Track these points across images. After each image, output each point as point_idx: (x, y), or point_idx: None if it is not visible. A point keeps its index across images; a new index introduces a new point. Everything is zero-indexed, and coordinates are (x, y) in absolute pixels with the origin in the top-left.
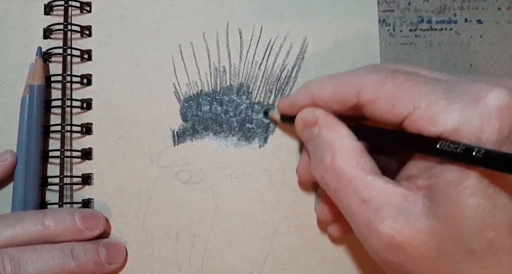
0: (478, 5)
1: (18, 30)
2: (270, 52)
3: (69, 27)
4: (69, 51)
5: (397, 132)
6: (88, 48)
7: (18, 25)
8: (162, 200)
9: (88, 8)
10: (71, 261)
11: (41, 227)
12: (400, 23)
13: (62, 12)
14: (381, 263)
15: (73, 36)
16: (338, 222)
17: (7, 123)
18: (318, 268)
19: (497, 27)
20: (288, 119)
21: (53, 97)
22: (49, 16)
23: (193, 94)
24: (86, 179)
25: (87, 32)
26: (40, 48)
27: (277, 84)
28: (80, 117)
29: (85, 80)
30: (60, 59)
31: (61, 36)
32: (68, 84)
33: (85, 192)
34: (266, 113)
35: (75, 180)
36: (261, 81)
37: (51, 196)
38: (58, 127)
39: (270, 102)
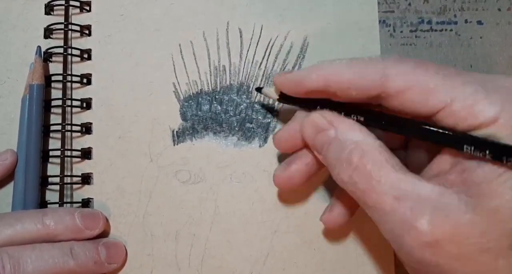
0: (478, 6)
1: (18, 30)
2: (270, 52)
3: (69, 26)
4: (69, 50)
5: (427, 126)
6: (88, 48)
7: (19, 25)
8: (161, 199)
9: (88, 8)
10: (71, 260)
11: (41, 226)
12: (401, 24)
13: (62, 12)
14: (415, 265)
15: (73, 35)
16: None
17: (7, 123)
18: (318, 268)
19: (497, 28)
20: (287, 99)
21: (53, 96)
22: (49, 16)
23: (193, 93)
24: (86, 179)
25: (87, 32)
26: (39, 47)
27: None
28: (80, 117)
29: (85, 80)
30: (61, 59)
31: (62, 35)
32: (68, 84)
33: (85, 192)
34: (259, 90)
35: (75, 179)
36: (261, 80)
37: (51, 196)
38: (58, 127)
39: (270, 102)
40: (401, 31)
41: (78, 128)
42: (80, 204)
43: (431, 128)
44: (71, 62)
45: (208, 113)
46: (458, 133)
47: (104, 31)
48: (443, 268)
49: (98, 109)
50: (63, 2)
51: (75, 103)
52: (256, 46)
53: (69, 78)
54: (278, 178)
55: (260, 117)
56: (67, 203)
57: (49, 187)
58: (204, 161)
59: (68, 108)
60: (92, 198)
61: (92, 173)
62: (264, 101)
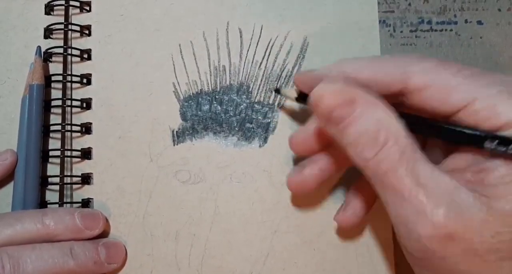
0: (478, 6)
1: (18, 30)
2: (270, 52)
3: (69, 26)
4: (69, 50)
5: (448, 125)
6: (88, 48)
7: (19, 25)
8: (161, 199)
9: (88, 8)
10: (71, 260)
11: (40, 226)
12: (401, 24)
13: (63, 12)
14: (419, 255)
15: (73, 35)
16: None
17: (7, 123)
18: (318, 268)
19: (497, 28)
20: (306, 99)
21: (53, 97)
22: (49, 16)
23: (192, 93)
24: (86, 179)
25: (87, 32)
26: (39, 47)
27: (277, 84)
28: (80, 117)
29: (84, 80)
30: (60, 59)
31: (62, 36)
32: (68, 84)
33: (84, 192)
34: (278, 91)
35: (75, 179)
36: (261, 80)
37: (51, 196)
38: (58, 127)
39: (270, 101)
40: (401, 31)
41: (78, 128)
42: (80, 204)
43: (451, 127)
44: (71, 62)
45: (208, 113)
46: (479, 131)
47: (104, 31)
48: (447, 261)
49: (98, 109)
50: (63, 2)
51: (75, 103)
52: (256, 46)
53: (69, 78)
54: (291, 182)
55: (260, 118)
56: (67, 203)
57: (49, 187)
58: (204, 161)
59: (68, 108)
60: (92, 198)
61: (92, 173)
62: (264, 102)
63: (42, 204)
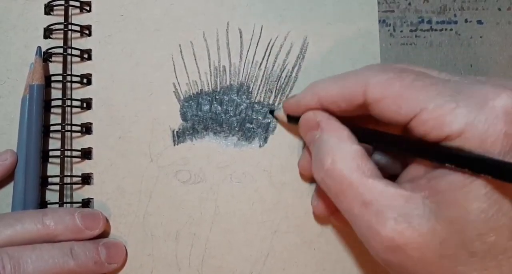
0: (478, 5)
1: (18, 30)
2: (270, 52)
3: (69, 26)
4: (69, 51)
5: (399, 137)
6: (88, 48)
7: (19, 25)
8: (162, 199)
9: (88, 8)
10: (71, 260)
11: (41, 227)
12: (401, 23)
13: (62, 12)
14: (383, 263)
15: (73, 35)
16: (334, 216)
17: (7, 123)
18: (318, 268)
19: (497, 27)
20: (294, 120)
21: (53, 97)
22: (49, 16)
23: (193, 94)
24: (86, 179)
25: (87, 32)
26: (39, 47)
27: (277, 84)
28: (80, 117)
29: (85, 80)
30: (60, 59)
31: (62, 36)
32: (68, 84)
33: (85, 192)
34: (272, 112)
35: (75, 179)
36: (261, 81)
37: (51, 196)
38: (58, 127)
39: (270, 102)
40: (401, 31)
41: (78, 128)
42: (80, 204)
43: (399, 139)
44: (71, 62)
45: (208, 113)
46: (422, 143)
47: (104, 31)
48: (407, 270)
49: (98, 109)
50: (63, 2)
51: (75, 103)
52: (256, 46)
53: (69, 78)
54: (316, 209)
55: (260, 118)
56: (67, 203)
57: (49, 187)
58: (204, 161)
59: (68, 109)
60: (92, 198)
61: (92, 173)
62: (264, 102)
63: (42, 204)
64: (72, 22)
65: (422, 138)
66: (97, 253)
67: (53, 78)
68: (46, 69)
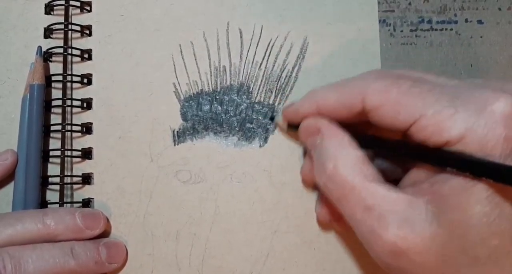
0: (478, 5)
1: (18, 30)
2: (270, 52)
3: (70, 26)
4: (69, 50)
5: (400, 142)
6: (88, 48)
7: (19, 25)
8: (162, 199)
9: (88, 8)
10: (72, 260)
11: (41, 226)
12: (401, 23)
13: (63, 12)
14: (384, 268)
15: (73, 35)
16: (338, 222)
17: (7, 123)
18: (318, 268)
19: (497, 27)
20: (294, 127)
21: (53, 97)
22: (49, 16)
23: (193, 94)
24: (86, 179)
25: (87, 32)
26: (40, 47)
27: (277, 84)
28: (80, 117)
29: (85, 80)
30: (61, 58)
31: (62, 35)
32: (69, 84)
33: (85, 192)
34: (272, 119)
35: (75, 179)
36: (261, 81)
37: (52, 196)
38: (59, 127)
39: (270, 102)
40: (401, 31)
41: (79, 128)
42: (80, 204)
43: (400, 144)
44: (71, 62)
45: (208, 113)
46: (423, 148)
47: (105, 31)
48: (409, 273)
49: (98, 109)
50: (63, 2)
51: (75, 103)
52: (256, 46)
53: (69, 78)
54: (320, 216)
55: (260, 118)
56: (67, 203)
57: (50, 187)
58: (204, 161)
59: (69, 108)
60: (93, 198)
61: (92, 173)
62: (264, 102)
63: (43, 204)
64: (73, 22)
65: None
66: (97, 253)
67: (53, 78)
68: (46, 69)
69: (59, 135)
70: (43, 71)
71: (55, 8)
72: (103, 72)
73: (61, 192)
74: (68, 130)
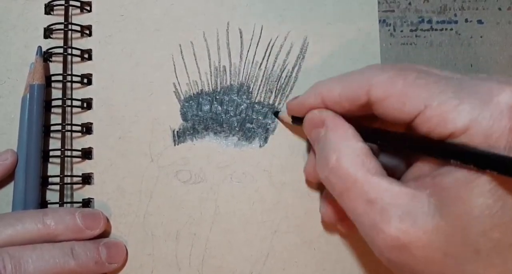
0: (478, 5)
1: (18, 30)
2: (270, 52)
3: (70, 26)
4: (69, 50)
5: (404, 135)
6: (88, 48)
7: (19, 25)
8: (162, 199)
9: (88, 8)
10: (72, 260)
11: (41, 226)
12: (401, 23)
13: (63, 12)
14: (387, 263)
15: (73, 35)
16: (342, 222)
17: (7, 123)
18: (318, 268)
19: (497, 27)
20: (298, 121)
21: (53, 97)
22: (49, 16)
23: (193, 94)
24: (87, 179)
25: (87, 32)
26: (40, 47)
27: (277, 84)
28: (80, 117)
29: (85, 80)
30: (61, 59)
31: (62, 35)
32: (69, 84)
33: (85, 192)
34: (276, 114)
35: (75, 179)
36: (261, 81)
37: (52, 196)
38: (59, 127)
39: (271, 102)
40: (401, 31)
41: (79, 128)
42: (80, 204)
43: (404, 137)
44: (71, 62)
45: (208, 113)
46: (427, 140)
47: (105, 31)
48: (411, 268)
49: (98, 109)
50: (63, 2)
51: (75, 103)
52: (256, 46)
53: (69, 78)
54: (325, 216)
55: (260, 118)
56: (67, 203)
57: (50, 187)
58: (204, 161)
59: (69, 108)
60: (93, 198)
61: (92, 173)
62: (265, 102)
63: (43, 204)
64: (73, 22)
65: (426, 136)
66: (97, 253)
67: (53, 78)
68: (46, 69)
69: (59, 135)
70: (43, 71)
71: (55, 8)
72: (103, 72)
73: (61, 192)
74: (68, 130)
